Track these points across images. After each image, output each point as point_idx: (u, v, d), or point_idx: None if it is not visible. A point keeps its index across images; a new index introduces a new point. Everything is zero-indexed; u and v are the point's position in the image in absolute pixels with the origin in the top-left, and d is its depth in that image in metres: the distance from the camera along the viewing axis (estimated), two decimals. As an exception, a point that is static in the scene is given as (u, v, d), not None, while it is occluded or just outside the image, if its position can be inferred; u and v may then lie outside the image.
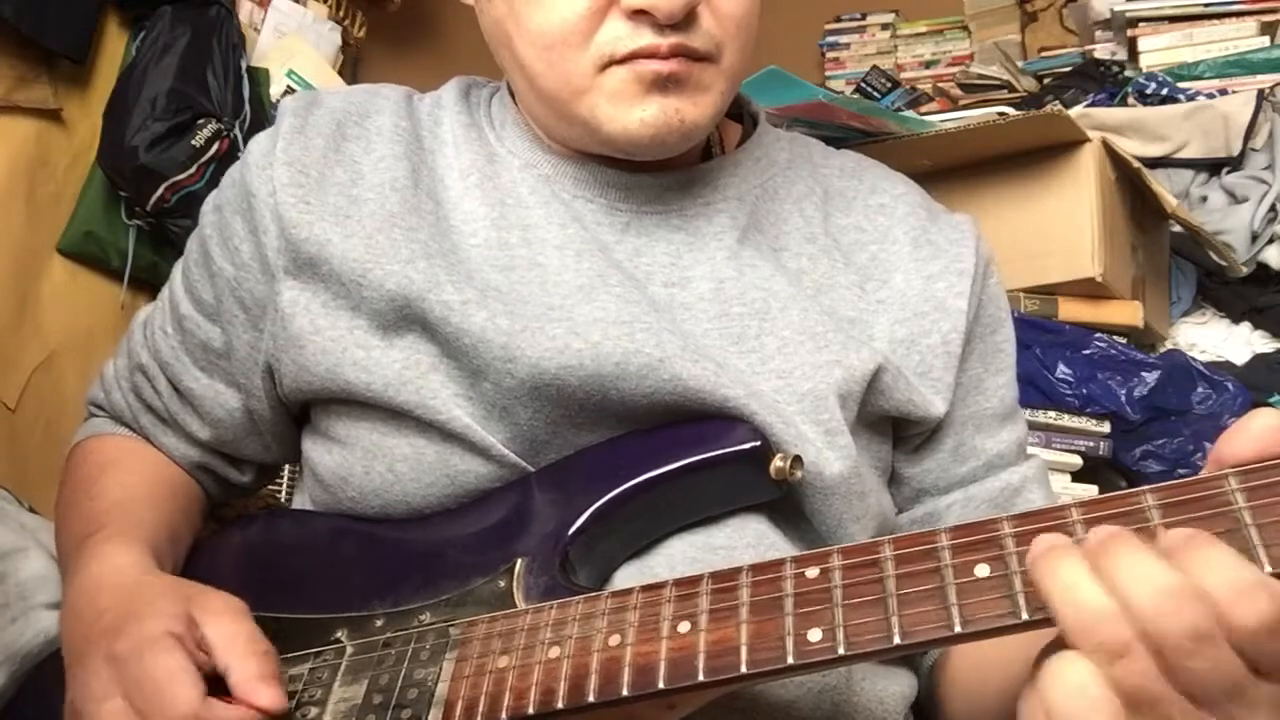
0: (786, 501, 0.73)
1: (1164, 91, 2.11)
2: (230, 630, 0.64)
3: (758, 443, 0.70)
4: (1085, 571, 0.46)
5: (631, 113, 0.73)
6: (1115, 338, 1.71)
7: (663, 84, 0.72)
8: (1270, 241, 1.92)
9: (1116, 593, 0.45)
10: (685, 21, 0.71)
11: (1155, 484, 0.49)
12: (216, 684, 0.62)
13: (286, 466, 1.24)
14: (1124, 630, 0.44)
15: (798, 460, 0.70)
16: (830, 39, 3.68)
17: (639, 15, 0.71)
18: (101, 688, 0.63)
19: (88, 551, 0.76)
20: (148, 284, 1.90)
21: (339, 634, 0.70)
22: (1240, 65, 2.19)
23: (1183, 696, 0.44)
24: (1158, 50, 2.35)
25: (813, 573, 0.55)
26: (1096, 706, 0.44)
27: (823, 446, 0.72)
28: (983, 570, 0.50)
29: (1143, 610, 0.44)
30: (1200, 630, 0.43)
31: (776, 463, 0.69)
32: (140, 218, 1.83)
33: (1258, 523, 0.46)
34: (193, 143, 1.76)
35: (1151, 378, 1.66)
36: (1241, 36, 2.30)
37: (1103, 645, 0.44)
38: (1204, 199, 1.96)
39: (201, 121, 1.78)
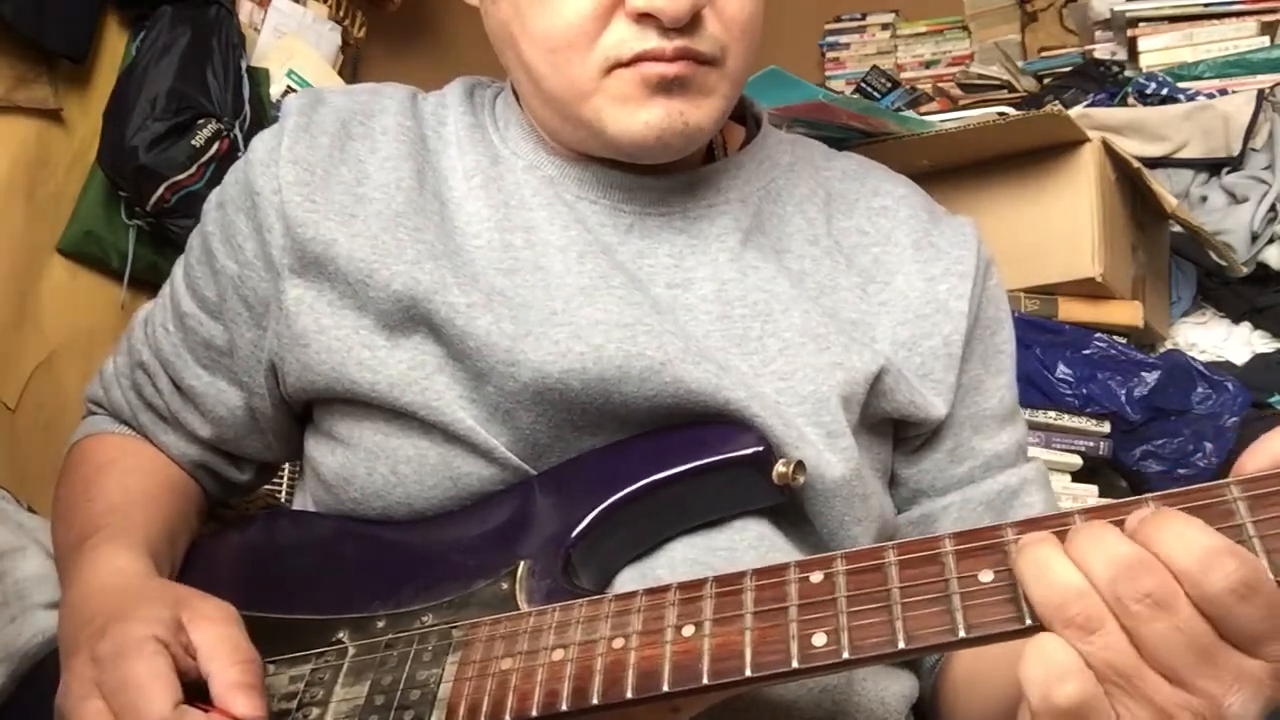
0: (788, 504, 0.73)
1: (1164, 91, 2.11)
2: (216, 636, 0.63)
3: (761, 448, 0.70)
4: (1056, 553, 0.48)
5: (636, 115, 0.73)
6: (1115, 338, 1.72)
7: (667, 87, 0.72)
8: (1270, 241, 1.92)
9: (1081, 569, 0.47)
10: (690, 24, 0.71)
11: (1159, 490, 0.50)
12: (203, 689, 0.62)
13: (286, 465, 1.24)
14: (1092, 605, 0.46)
15: (800, 465, 0.70)
16: (830, 39, 3.69)
17: (644, 18, 0.71)
18: (83, 688, 0.63)
19: (86, 554, 0.76)
20: (148, 284, 1.89)
21: (341, 635, 0.70)
22: (1240, 65, 2.19)
23: (1157, 673, 0.46)
24: (1158, 50, 2.35)
25: (817, 577, 0.55)
26: (1069, 678, 0.46)
27: (824, 449, 0.72)
28: (987, 576, 0.51)
29: (1100, 580, 0.46)
30: (1155, 595, 0.45)
31: (779, 468, 0.69)
32: (140, 218, 1.83)
33: (1261, 534, 0.47)
34: (193, 143, 1.76)
35: (1151, 378, 1.66)
36: (1241, 36, 2.30)
37: (1073, 621, 0.46)
38: (1204, 199, 1.97)
39: (201, 121, 1.78)
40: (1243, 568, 0.45)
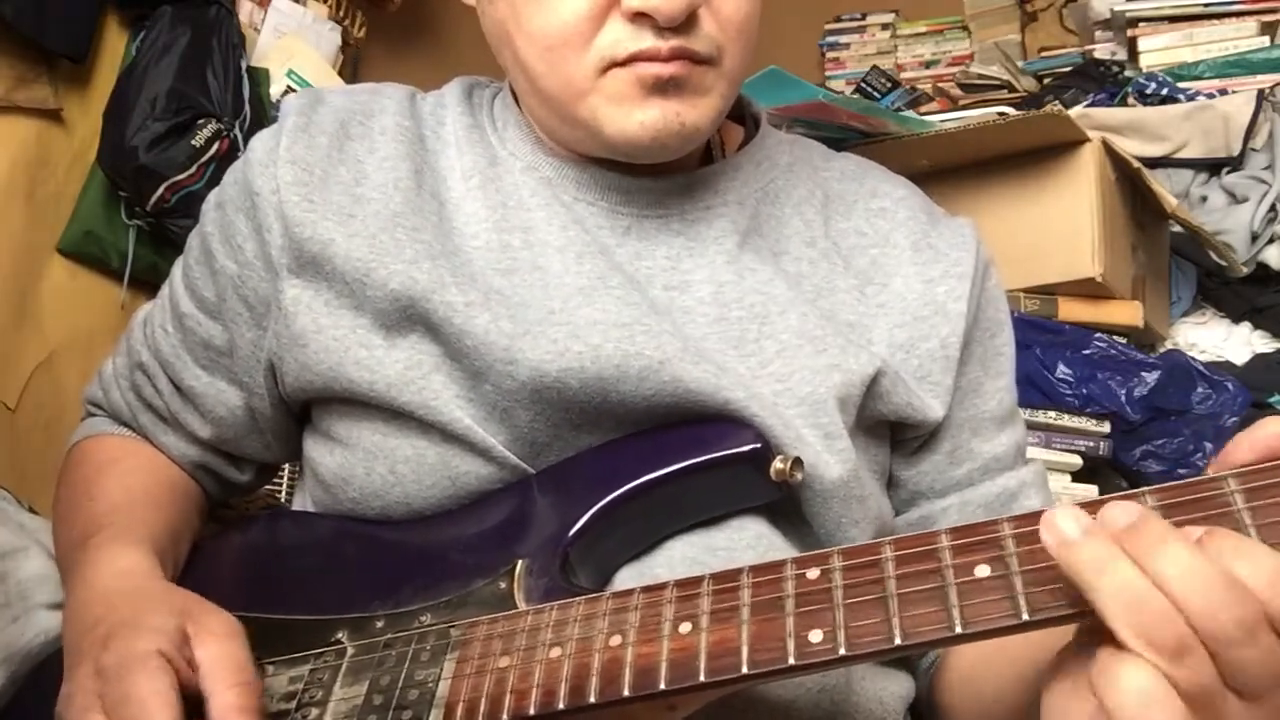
0: (786, 504, 0.73)
1: (1164, 91, 2.11)
2: (219, 654, 0.63)
3: (758, 445, 0.70)
4: (1128, 563, 0.46)
5: (632, 115, 0.73)
6: (1115, 338, 1.72)
7: (663, 87, 0.72)
8: (1270, 241, 1.92)
9: (1164, 587, 0.45)
10: (686, 24, 0.71)
11: (1155, 485, 0.50)
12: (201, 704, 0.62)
13: (286, 466, 1.24)
14: (1183, 630, 0.44)
15: (798, 462, 0.70)
16: (830, 39, 3.69)
17: (640, 18, 0.71)
18: (85, 699, 0.63)
19: (89, 554, 0.76)
20: (148, 284, 1.89)
21: (339, 635, 0.70)
22: (1240, 65, 2.19)
23: (1234, 693, 0.45)
24: (1158, 50, 2.35)
25: (813, 574, 0.55)
26: (1163, 707, 0.44)
27: (822, 450, 0.72)
28: (983, 571, 0.51)
29: (1194, 602, 0.44)
30: (1248, 620, 0.44)
31: (777, 465, 0.69)
32: (140, 218, 1.83)
33: (1257, 523, 0.47)
34: (193, 143, 1.76)
35: (1151, 378, 1.66)
36: (1241, 36, 2.30)
37: (1164, 645, 0.45)
38: (1204, 199, 1.97)
39: (201, 121, 1.78)
40: None
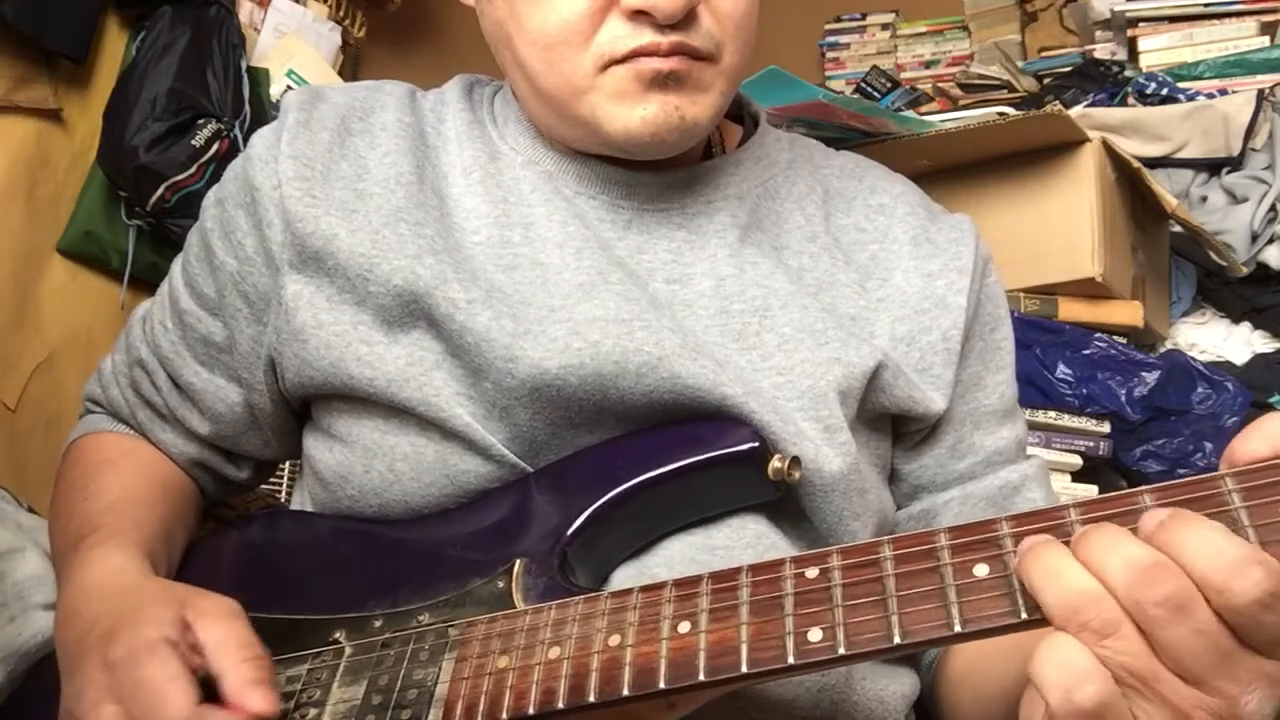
0: (786, 499, 0.73)
1: (1164, 91, 2.11)
2: (223, 634, 0.64)
3: (756, 444, 0.70)
4: (1066, 557, 0.48)
5: (632, 111, 0.73)
6: (1115, 338, 1.71)
7: (663, 82, 0.72)
8: (1270, 241, 1.92)
9: (1096, 573, 0.47)
10: (685, 21, 0.71)
11: (1154, 484, 0.50)
12: (213, 686, 0.62)
13: (286, 465, 1.24)
14: (1108, 609, 0.46)
15: (796, 461, 0.70)
16: (830, 39, 3.69)
17: (639, 15, 0.71)
18: (96, 694, 0.63)
19: (82, 555, 0.76)
20: (148, 284, 1.89)
21: (337, 634, 0.70)
22: (1240, 65, 2.19)
23: (1174, 675, 0.46)
24: (1158, 50, 2.35)
25: (812, 573, 0.55)
26: (1089, 680, 0.45)
27: (822, 443, 0.72)
28: (982, 570, 0.51)
29: (1117, 583, 0.46)
30: (1174, 599, 0.45)
31: (774, 463, 0.69)
32: (140, 218, 1.83)
33: (1255, 523, 0.47)
34: (193, 143, 1.76)
35: (1151, 378, 1.66)
36: (1241, 36, 2.30)
37: (1089, 625, 0.46)
38: (1204, 199, 1.96)
39: (201, 121, 1.78)
40: (1269, 579, 0.44)
